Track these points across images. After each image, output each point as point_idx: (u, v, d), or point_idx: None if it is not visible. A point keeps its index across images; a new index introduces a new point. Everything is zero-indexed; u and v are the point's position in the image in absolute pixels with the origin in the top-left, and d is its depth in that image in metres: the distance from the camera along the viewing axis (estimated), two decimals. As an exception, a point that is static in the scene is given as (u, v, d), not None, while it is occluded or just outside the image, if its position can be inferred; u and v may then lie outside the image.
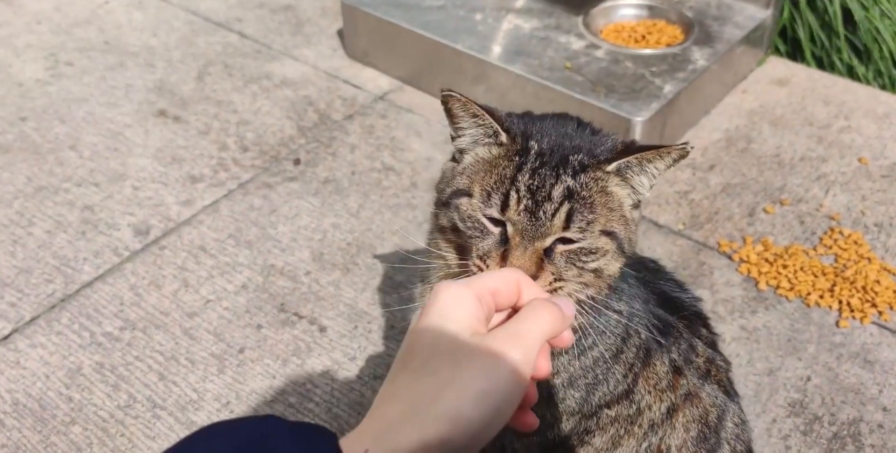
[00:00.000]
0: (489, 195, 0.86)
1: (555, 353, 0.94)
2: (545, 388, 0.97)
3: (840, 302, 1.58)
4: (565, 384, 0.99)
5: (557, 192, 0.84)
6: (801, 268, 1.65)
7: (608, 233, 0.87)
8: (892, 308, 1.58)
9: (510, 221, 0.85)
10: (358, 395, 1.42)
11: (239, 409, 1.40)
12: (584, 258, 0.87)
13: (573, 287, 0.88)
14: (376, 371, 1.47)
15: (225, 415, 1.39)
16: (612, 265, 0.91)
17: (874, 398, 1.41)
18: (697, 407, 1.07)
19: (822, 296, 1.60)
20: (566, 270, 0.87)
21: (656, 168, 0.88)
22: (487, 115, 0.88)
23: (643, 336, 1.02)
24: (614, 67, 1.98)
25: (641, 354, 1.03)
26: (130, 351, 1.51)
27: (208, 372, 1.47)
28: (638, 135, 1.86)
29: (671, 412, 1.05)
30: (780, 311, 1.58)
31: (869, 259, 1.68)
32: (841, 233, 1.75)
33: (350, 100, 2.21)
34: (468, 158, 0.92)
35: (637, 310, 1.02)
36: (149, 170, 1.96)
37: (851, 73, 2.29)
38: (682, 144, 0.85)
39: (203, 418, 1.38)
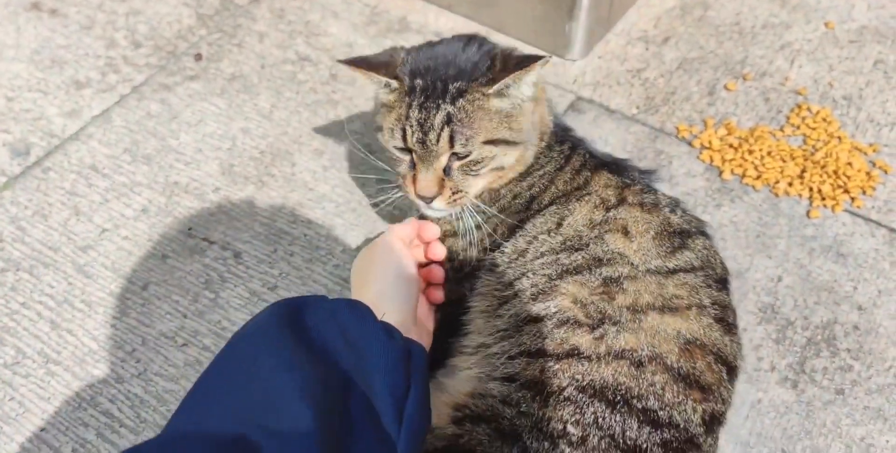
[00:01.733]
0: (393, 131, 1.08)
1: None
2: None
3: (810, 189, 1.44)
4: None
5: (438, 120, 1.05)
6: (769, 153, 1.49)
7: (492, 142, 1.07)
8: (864, 192, 1.44)
9: (412, 150, 1.08)
10: (282, 331, 1.26)
11: (146, 357, 1.23)
12: (474, 167, 1.09)
13: (475, 191, 1.12)
14: (302, 301, 1.30)
15: (131, 366, 1.22)
16: (509, 157, 1.11)
17: (848, 296, 1.30)
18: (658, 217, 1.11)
19: (791, 184, 1.45)
20: (463, 181, 1.10)
21: (531, 78, 1.07)
22: (374, 74, 1.08)
23: (587, 156, 1.19)
24: (554, -73, 1.72)
25: (591, 164, 1.18)
26: (15, 298, 1.31)
27: (108, 315, 1.28)
28: (584, 5, 1.63)
29: (620, 201, 1.11)
30: (747, 203, 1.43)
31: (839, 138, 1.52)
32: (809, 109, 1.59)
33: (256, -22, 1.92)
34: (380, 99, 1.13)
35: (585, 146, 1.22)
36: (24, 77, 1.69)
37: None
38: (542, 57, 1.04)
39: (104, 370, 1.21)
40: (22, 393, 1.19)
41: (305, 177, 1.49)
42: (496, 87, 1.04)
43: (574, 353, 0.96)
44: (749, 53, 1.72)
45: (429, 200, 1.10)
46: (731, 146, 1.51)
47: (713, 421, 0.97)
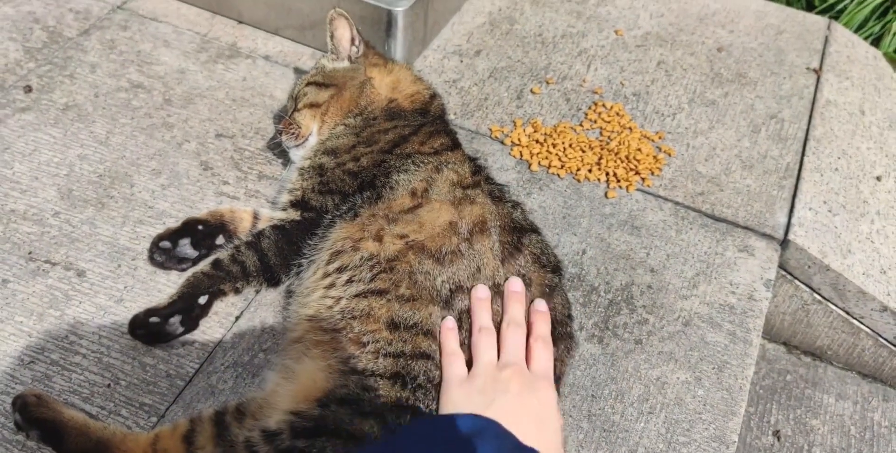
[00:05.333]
0: None
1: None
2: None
3: (607, 173, 1.64)
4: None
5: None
6: (570, 145, 1.68)
7: (309, 84, 1.54)
8: (653, 173, 1.65)
9: None
10: (130, 340, 1.31)
11: (-8, 376, 1.26)
12: (297, 104, 1.53)
13: (302, 117, 1.50)
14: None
15: (-24, 385, 1.25)
16: (322, 94, 1.50)
17: (643, 261, 1.49)
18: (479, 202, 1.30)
19: (590, 170, 1.64)
20: (294, 117, 1.52)
21: (339, 32, 1.54)
22: None
23: (451, 132, 1.53)
24: (365, -46, 1.87)
25: (451, 138, 1.50)
26: None
27: (-51, 340, 1.30)
28: (400, 25, 1.78)
29: (476, 184, 1.34)
30: (553, 190, 1.61)
31: (630, 128, 1.74)
32: (604, 106, 1.80)
33: (84, 12, 1.96)
34: None
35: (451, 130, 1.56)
36: None
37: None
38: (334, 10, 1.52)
39: (-50, 393, 1.23)
40: None
41: (145, 196, 1.55)
42: (329, 45, 1.55)
43: (427, 356, 1.13)
44: (551, 60, 1.92)
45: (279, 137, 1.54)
46: (537, 142, 1.69)
47: None
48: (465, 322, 1.15)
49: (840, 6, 2.40)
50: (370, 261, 1.20)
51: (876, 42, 2.40)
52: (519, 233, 1.26)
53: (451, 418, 0.99)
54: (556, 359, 1.17)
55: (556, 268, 1.27)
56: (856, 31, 2.37)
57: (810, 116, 1.85)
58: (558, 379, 1.18)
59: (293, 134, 1.50)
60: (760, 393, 1.65)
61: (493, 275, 1.19)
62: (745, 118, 1.82)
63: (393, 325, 1.13)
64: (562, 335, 1.21)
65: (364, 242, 1.23)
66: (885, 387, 1.70)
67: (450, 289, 1.17)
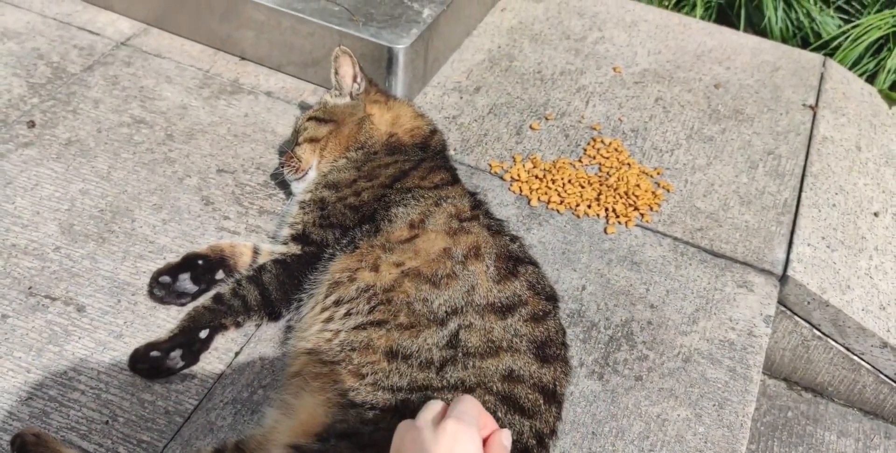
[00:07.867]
0: None
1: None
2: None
3: (606, 209, 1.65)
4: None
5: None
6: (569, 181, 1.69)
7: (310, 119, 1.57)
8: (651, 209, 1.66)
9: None
10: (129, 376, 1.31)
11: (-10, 412, 1.25)
12: (298, 138, 1.56)
13: (302, 152, 1.53)
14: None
15: (-27, 422, 1.24)
16: (321, 129, 1.54)
17: (642, 297, 1.49)
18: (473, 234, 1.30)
19: (589, 206, 1.65)
20: (294, 151, 1.55)
21: (342, 69, 1.57)
22: None
23: (451, 167, 1.55)
24: (367, -7, 1.90)
25: (451, 173, 1.51)
26: None
27: (-53, 376, 1.29)
28: (401, 62, 1.81)
29: (474, 217, 1.35)
30: (552, 225, 1.62)
31: (629, 164, 1.75)
32: (602, 142, 1.81)
33: (88, 49, 1.99)
34: None
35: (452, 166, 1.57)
36: None
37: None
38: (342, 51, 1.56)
39: (-53, 429, 1.22)
40: None
41: (146, 231, 1.56)
42: (333, 81, 1.59)
43: (425, 388, 1.12)
44: (550, 97, 1.95)
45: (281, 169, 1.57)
46: (536, 177, 1.70)
47: (542, 437, 1.14)
48: (455, 341, 1.15)
49: (835, 43, 2.43)
50: (367, 293, 1.21)
51: (871, 79, 2.42)
52: (515, 261, 1.27)
53: None
54: (552, 378, 1.17)
55: (552, 298, 1.27)
56: (850, 68, 2.39)
57: (807, 152, 1.86)
58: (559, 401, 1.18)
59: (293, 167, 1.54)
60: (762, 430, 1.64)
61: (486, 295, 1.20)
62: (743, 154, 1.84)
63: (391, 355, 1.14)
64: (556, 357, 1.20)
65: (361, 272, 1.24)
66: (886, 424, 1.69)
67: (445, 312, 1.18)
